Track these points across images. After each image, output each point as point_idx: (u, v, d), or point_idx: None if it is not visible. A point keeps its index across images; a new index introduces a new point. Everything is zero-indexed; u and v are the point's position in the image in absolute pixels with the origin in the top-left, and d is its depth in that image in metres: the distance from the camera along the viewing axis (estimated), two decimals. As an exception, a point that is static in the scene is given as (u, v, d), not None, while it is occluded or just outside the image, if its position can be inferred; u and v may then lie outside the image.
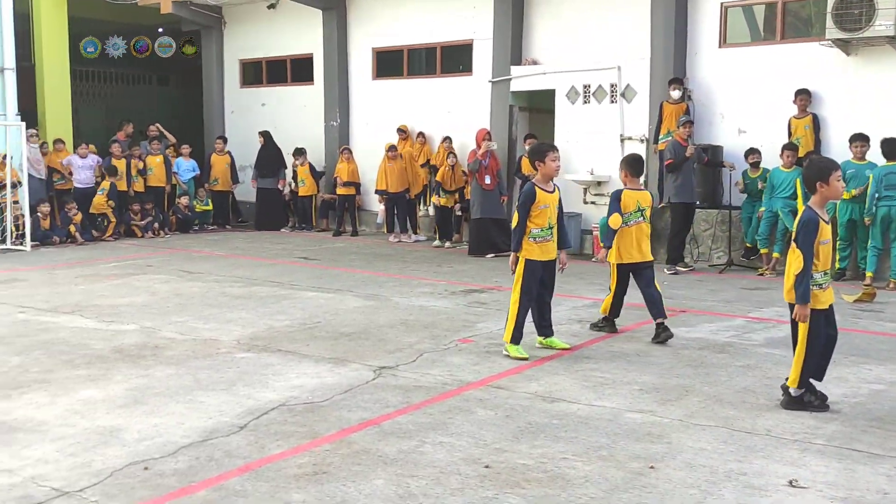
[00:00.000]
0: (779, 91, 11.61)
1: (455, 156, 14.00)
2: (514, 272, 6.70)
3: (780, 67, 11.71)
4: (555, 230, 6.77)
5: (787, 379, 5.42)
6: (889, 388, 5.90)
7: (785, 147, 10.99)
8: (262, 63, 17.94)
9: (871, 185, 10.02)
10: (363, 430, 4.94)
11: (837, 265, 10.42)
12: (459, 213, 13.96)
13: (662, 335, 7.12)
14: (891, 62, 10.85)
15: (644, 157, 12.40)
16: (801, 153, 10.87)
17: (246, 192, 17.35)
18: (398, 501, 3.97)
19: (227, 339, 7.29)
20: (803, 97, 11.28)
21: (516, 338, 6.67)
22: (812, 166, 5.44)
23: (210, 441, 4.77)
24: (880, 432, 4.96)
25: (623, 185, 7.52)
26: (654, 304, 7.22)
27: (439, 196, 14.03)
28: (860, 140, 10.35)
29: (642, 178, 12.17)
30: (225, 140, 17.27)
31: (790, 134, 11.38)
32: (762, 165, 11.47)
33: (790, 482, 4.21)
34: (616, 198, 7.36)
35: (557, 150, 6.89)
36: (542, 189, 6.70)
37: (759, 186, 11.30)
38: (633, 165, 7.51)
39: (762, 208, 11.13)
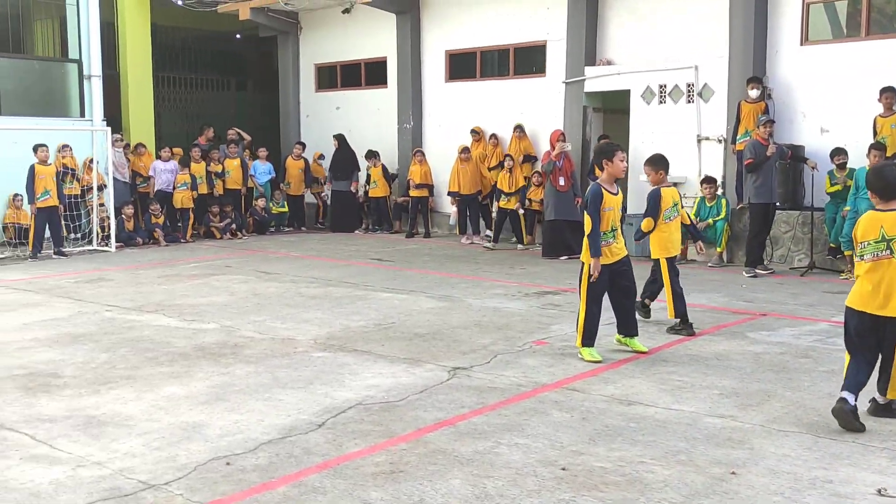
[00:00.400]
0: (863, 89, 11.25)
1: (512, 158, 14.01)
2: (593, 278, 6.51)
3: (865, 65, 11.36)
4: (618, 232, 6.72)
5: (882, 392, 5.20)
6: (984, 396, 5.66)
7: (872, 146, 10.62)
8: (337, 67, 18.18)
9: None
10: (439, 430, 4.97)
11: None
12: (522, 211, 13.86)
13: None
14: (983, 57, 10.45)
15: (725, 157, 12.48)
16: (888, 153, 10.51)
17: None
18: (475, 501, 3.98)
19: (303, 338, 7.42)
20: (889, 95, 10.89)
21: (588, 341, 6.62)
22: (882, 179, 5.25)
23: (289, 438, 4.86)
24: (975, 442, 4.77)
25: (656, 185, 7.62)
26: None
27: (499, 200, 14.05)
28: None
29: (720, 180, 12.27)
30: (303, 146, 17.53)
31: (875, 133, 11.01)
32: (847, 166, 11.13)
33: (879, 491, 4.07)
34: (657, 198, 7.50)
35: (624, 151, 6.86)
36: (608, 191, 6.64)
37: (847, 184, 10.96)
38: (662, 163, 7.62)
39: (847, 207, 10.79)
